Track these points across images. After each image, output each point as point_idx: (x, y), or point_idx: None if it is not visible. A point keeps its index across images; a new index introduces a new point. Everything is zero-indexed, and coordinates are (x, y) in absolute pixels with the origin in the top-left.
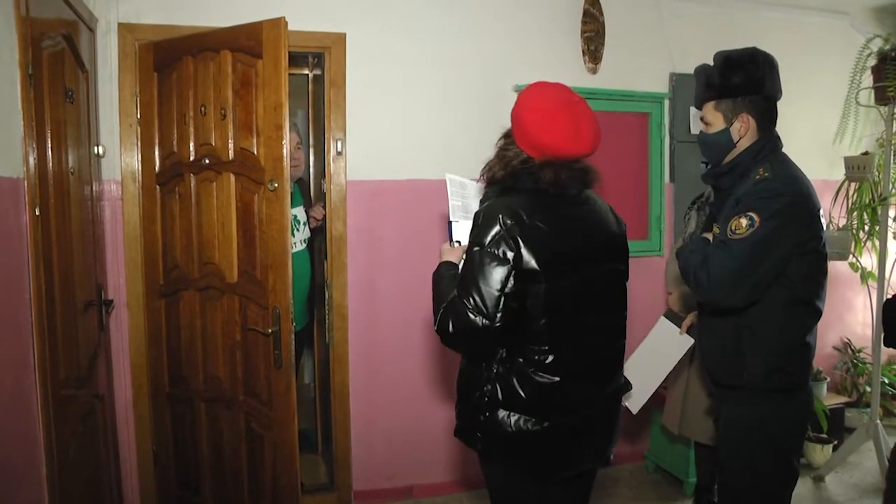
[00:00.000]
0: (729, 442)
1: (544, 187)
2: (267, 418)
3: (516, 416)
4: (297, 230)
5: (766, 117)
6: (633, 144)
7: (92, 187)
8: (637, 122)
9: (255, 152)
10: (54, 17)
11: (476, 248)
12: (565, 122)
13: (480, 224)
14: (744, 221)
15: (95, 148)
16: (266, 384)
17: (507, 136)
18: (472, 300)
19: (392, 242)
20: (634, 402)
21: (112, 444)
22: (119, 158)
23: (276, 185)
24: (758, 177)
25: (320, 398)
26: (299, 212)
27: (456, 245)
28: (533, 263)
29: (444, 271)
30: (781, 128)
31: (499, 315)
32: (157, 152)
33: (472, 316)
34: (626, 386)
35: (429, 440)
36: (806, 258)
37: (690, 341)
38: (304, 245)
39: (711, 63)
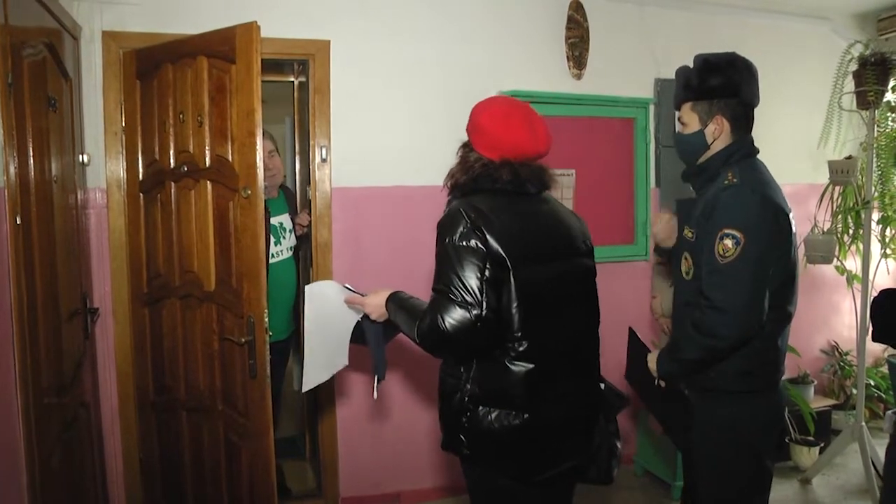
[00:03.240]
0: (700, 443)
1: (503, 187)
2: (244, 428)
3: (496, 412)
4: (283, 238)
5: (741, 122)
6: (619, 150)
7: (77, 196)
8: (622, 127)
9: (230, 159)
10: (35, 26)
11: (449, 244)
12: (521, 122)
13: (447, 224)
14: (729, 243)
15: (80, 156)
16: (242, 394)
17: (466, 145)
18: (458, 293)
19: (378, 249)
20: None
21: (98, 451)
22: (104, 167)
23: (250, 192)
24: (726, 181)
25: (308, 404)
26: (285, 219)
27: (361, 293)
28: (500, 251)
29: (398, 297)
30: (766, 132)
31: (485, 303)
32: (140, 160)
33: (461, 310)
34: (619, 400)
35: (416, 447)
36: (776, 261)
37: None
38: (291, 253)
39: (692, 65)
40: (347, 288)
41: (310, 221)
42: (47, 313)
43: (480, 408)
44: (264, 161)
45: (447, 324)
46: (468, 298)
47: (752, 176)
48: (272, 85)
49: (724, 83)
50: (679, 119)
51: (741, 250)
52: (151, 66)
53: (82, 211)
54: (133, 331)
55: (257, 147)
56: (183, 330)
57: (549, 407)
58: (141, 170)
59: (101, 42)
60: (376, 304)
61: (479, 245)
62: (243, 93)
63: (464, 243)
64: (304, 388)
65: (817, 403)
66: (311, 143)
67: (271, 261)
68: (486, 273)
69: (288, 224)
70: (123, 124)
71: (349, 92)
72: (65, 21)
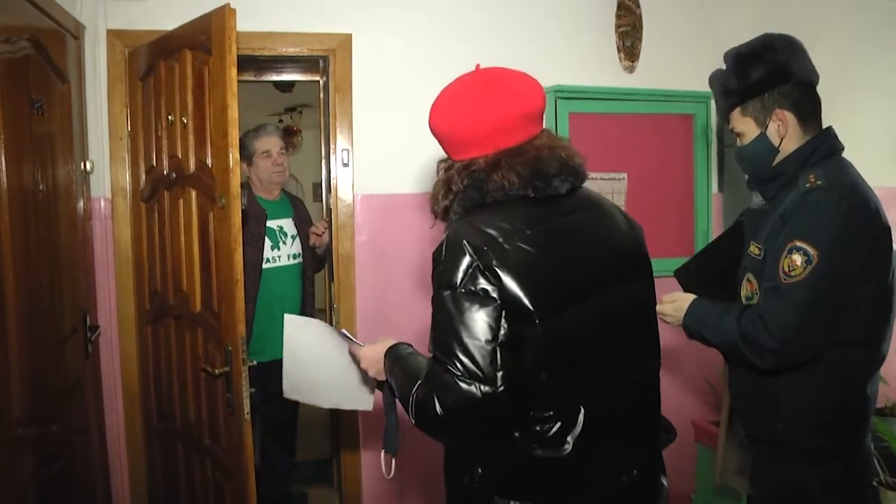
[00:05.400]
0: None
1: (519, 192)
2: (227, 469)
3: None
4: (283, 243)
5: (806, 107)
6: (676, 150)
7: (79, 206)
8: (680, 124)
9: (209, 164)
10: (13, 23)
11: (447, 293)
12: (481, 88)
13: (444, 259)
14: (798, 259)
15: (82, 164)
16: (225, 431)
17: (443, 160)
18: (459, 363)
19: (407, 262)
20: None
21: (103, 476)
22: (108, 174)
23: (224, 201)
24: (808, 185)
25: (332, 427)
26: (286, 223)
27: (360, 343)
28: (522, 299)
29: (397, 352)
30: (845, 129)
31: (499, 375)
32: (142, 167)
33: (464, 385)
34: (666, 434)
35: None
36: (868, 288)
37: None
38: (295, 260)
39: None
40: (345, 335)
41: (326, 231)
42: (22, 338)
43: (496, 498)
44: (274, 157)
45: (444, 405)
46: (475, 371)
47: (840, 178)
48: (311, 89)
49: (769, 70)
50: (732, 132)
51: (811, 272)
52: (149, 64)
53: (86, 222)
54: (139, 350)
55: (230, 149)
56: (177, 354)
57: (591, 493)
58: (143, 177)
59: (105, 42)
60: (371, 358)
61: (491, 291)
62: (217, 87)
63: (468, 289)
64: (285, 395)
65: None
66: (332, 145)
67: (266, 266)
68: (502, 332)
69: (290, 230)
70: (129, 128)
71: (373, 90)
72: (61, 19)
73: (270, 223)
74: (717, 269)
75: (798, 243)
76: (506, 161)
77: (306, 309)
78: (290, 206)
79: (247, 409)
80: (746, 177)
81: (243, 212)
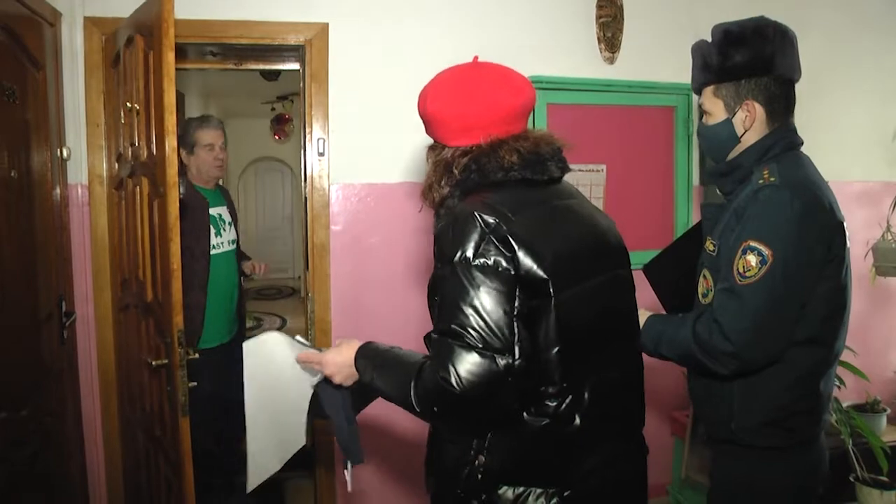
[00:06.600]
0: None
1: (518, 174)
2: (171, 461)
3: (527, 492)
4: (224, 230)
5: (779, 104)
6: (656, 142)
7: (55, 192)
8: (660, 116)
9: (155, 152)
10: None
11: (459, 266)
12: (487, 77)
13: (453, 234)
14: (752, 259)
15: (59, 150)
16: (170, 424)
17: (432, 146)
18: (477, 334)
19: (383, 252)
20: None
21: (79, 462)
22: (85, 161)
23: (162, 189)
24: (761, 181)
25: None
26: (223, 211)
27: (318, 349)
28: (536, 269)
29: (372, 349)
30: (832, 121)
31: (517, 347)
32: (114, 154)
33: (482, 358)
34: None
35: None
36: (822, 286)
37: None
38: (232, 246)
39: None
40: (298, 342)
41: (259, 270)
42: None
43: (503, 487)
44: (216, 151)
45: (462, 379)
46: (492, 342)
47: (794, 174)
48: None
49: (752, 58)
50: (701, 107)
51: (766, 271)
52: (117, 51)
53: (63, 208)
54: (115, 336)
55: (168, 137)
56: (136, 343)
57: (597, 477)
58: (116, 165)
59: (82, 28)
60: (340, 363)
61: (505, 264)
62: (156, 72)
63: (481, 261)
64: (250, 487)
65: (891, 436)
66: (308, 135)
67: (212, 252)
68: (517, 304)
69: (227, 217)
70: (105, 116)
71: (350, 80)
72: (35, 6)
73: (211, 211)
74: (682, 268)
75: (752, 243)
76: (508, 144)
77: (240, 292)
78: (222, 196)
79: (183, 402)
80: (709, 168)
81: (184, 200)
